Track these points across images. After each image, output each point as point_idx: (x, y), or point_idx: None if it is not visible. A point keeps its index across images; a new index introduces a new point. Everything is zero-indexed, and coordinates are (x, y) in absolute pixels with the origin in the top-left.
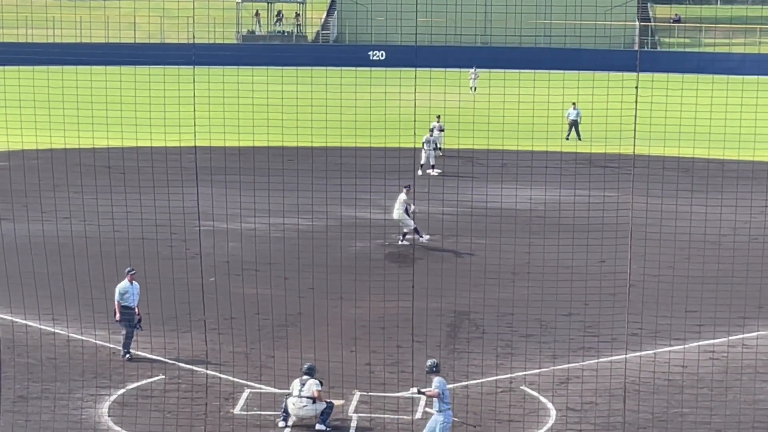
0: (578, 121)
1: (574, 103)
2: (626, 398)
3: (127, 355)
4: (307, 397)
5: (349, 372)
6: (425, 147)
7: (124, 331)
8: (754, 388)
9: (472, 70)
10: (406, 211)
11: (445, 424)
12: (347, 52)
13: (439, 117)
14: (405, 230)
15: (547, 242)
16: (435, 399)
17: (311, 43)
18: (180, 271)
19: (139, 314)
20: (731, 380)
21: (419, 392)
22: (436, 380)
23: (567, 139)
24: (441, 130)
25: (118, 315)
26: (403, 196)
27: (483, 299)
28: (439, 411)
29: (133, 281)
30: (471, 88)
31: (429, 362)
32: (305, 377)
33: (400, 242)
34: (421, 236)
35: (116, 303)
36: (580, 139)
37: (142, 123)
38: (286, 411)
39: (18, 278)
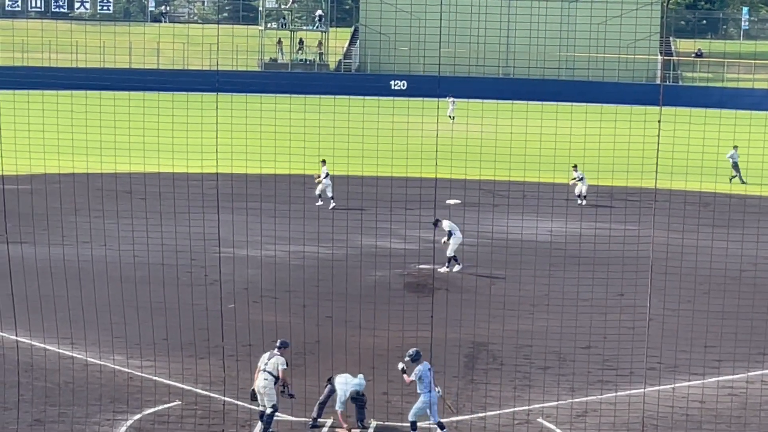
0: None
1: (735, 147)
2: None
3: None
4: (269, 372)
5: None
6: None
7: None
8: None
9: (450, 99)
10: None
11: (421, 404)
12: (369, 81)
13: (575, 166)
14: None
15: (566, 275)
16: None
17: (333, 72)
18: (199, 297)
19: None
20: (750, 416)
21: (402, 371)
22: (416, 368)
23: (744, 182)
24: (580, 179)
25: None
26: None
27: (502, 330)
28: (421, 393)
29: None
30: (450, 117)
31: (410, 351)
32: (275, 351)
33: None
34: (444, 267)
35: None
36: (743, 182)
37: (165, 149)
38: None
39: (38, 302)
